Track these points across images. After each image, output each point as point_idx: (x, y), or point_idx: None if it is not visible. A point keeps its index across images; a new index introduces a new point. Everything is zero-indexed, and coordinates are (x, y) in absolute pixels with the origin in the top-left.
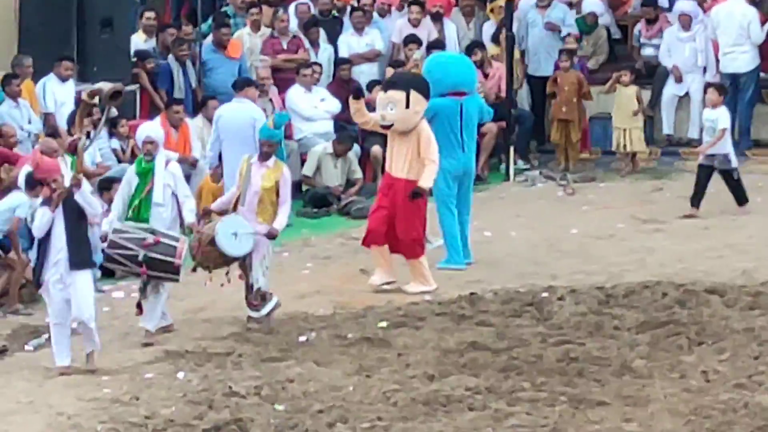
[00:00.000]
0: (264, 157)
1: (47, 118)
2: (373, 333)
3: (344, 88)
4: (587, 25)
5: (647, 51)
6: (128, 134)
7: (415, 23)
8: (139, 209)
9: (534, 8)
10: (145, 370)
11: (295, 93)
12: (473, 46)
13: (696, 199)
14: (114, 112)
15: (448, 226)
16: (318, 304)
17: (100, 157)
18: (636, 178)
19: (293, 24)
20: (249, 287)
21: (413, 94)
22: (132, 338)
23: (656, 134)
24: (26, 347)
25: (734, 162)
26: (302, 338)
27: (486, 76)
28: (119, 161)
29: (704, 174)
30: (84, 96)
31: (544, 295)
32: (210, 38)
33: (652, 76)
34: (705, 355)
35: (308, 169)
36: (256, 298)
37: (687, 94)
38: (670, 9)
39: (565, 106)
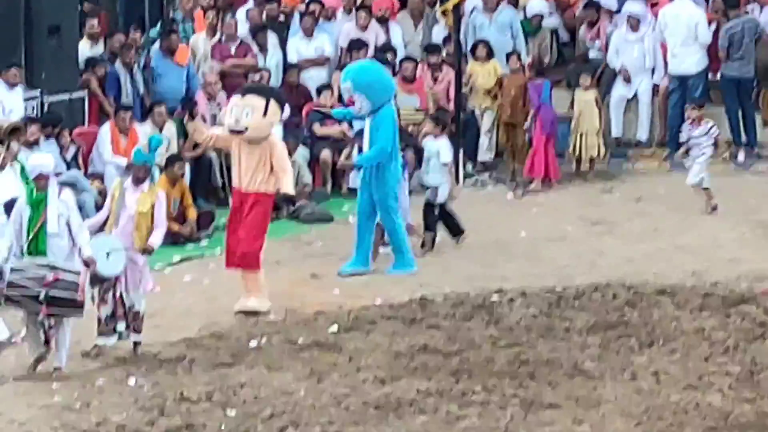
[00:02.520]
0: (138, 181)
1: None
2: (324, 337)
3: (293, 93)
4: (531, 26)
5: (592, 53)
6: (72, 140)
7: (364, 27)
8: (36, 241)
9: (481, 12)
10: (96, 377)
11: None
12: (432, 49)
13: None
14: (15, 147)
15: (399, 231)
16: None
17: None
18: (585, 179)
19: (243, 29)
20: (127, 313)
21: (272, 103)
22: (83, 345)
23: (605, 136)
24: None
25: (443, 196)
26: (253, 343)
27: (435, 80)
28: (68, 167)
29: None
30: None
31: (495, 298)
32: (157, 44)
33: (599, 77)
34: (656, 356)
35: None
36: (137, 320)
37: (635, 95)
38: (618, 11)
39: (510, 109)
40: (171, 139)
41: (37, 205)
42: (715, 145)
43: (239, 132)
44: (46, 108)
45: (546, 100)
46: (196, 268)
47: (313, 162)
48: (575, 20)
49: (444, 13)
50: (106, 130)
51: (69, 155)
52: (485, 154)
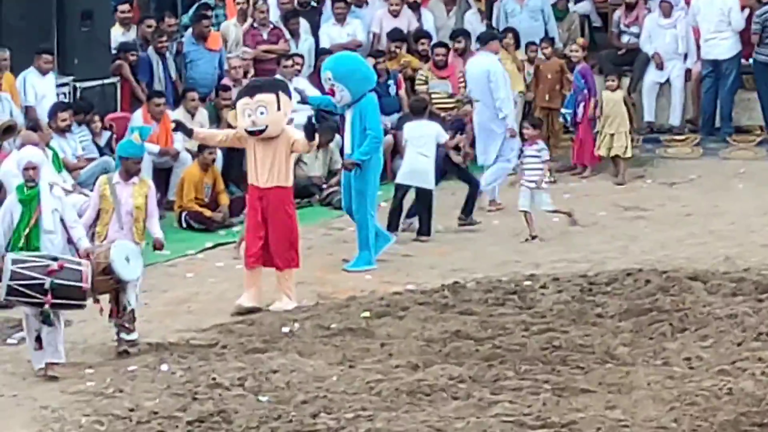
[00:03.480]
0: (129, 175)
1: (28, 112)
2: (356, 323)
3: None
4: (559, 11)
5: (626, 38)
6: (104, 127)
7: (395, 13)
8: (29, 238)
9: None
10: (128, 363)
11: None
12: (458, 34)
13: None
14: (6, 146)
15: (369, 225)
16: (301, 294)
17: (82, 150)
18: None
19: (275, 15)
20: (118, 309)
21: (282, 96)
22: (115, 331)
23: (637, 121)
24: (9, 341)
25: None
26: (285, 329)
27: None
28: (102, 153)
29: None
30: None
31: (527, 283)
32: (190, 30)
33: (632, 63)
34: (688, 342)
35: None
36: (130, 320)
37: (668, 80)
38: None
39: (548, 95)
40: (204, 125)
41: (30, 201)
42: (544, 169)
43: (260, 132)
44: (78, 94)
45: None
46: (228, 254)
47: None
48: (607, 5)
49: None
50: (138, 117)
51: (102, 141)
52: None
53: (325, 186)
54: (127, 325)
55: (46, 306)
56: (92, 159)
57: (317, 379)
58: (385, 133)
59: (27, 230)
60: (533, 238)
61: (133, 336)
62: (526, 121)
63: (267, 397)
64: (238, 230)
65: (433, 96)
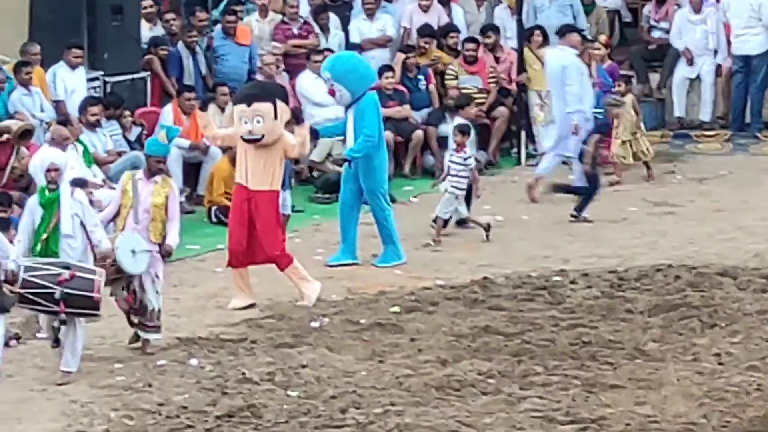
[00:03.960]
0: (152, 173)
1: (58, 106)
2: (386, 318)
3: None
4: (585, 5)
5: (657, 33)
6: (135, 121)
7: (425, 8)
8: (47, 242)
9: None
10: (157, 357)
11: (306, 79)
12: (487, 29)
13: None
14: (24, 151)
15: (390, 221)
16: (330, 289)
17: (112, 144)
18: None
19: (304, 9)
20: (140, 309)
21: (279, 104)
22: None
23: (667, 117)
24: (38, 335)
25: None
26: (315, 324)
27: (497, 60)
28: (132, 148)
29: None
30: None
31: (557, 278)
32: (220, 25)
33: (662, 58)
34: (718, 338)
35: (318, 155)
36: (152, 319)
37: (698, 76)
38: None
39: None
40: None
41: (50, 204)
42: (470, 177)
43: (256, 141)
44: (108, 89)
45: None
46: None
47: None
48: (637, 0)
49: None
50: (168, 111)
51: (132, 136)
52: (547, 139)
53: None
54: (148, 324)
55: (62, 315)
56: (122, 153)
57: (346, 374)
58: (416, 128)
59: (46, 234)
60: (435, 242)
61: (157, 336)
62: (455, 126)
63: (296, 392)
64: None
65: (463, 91)
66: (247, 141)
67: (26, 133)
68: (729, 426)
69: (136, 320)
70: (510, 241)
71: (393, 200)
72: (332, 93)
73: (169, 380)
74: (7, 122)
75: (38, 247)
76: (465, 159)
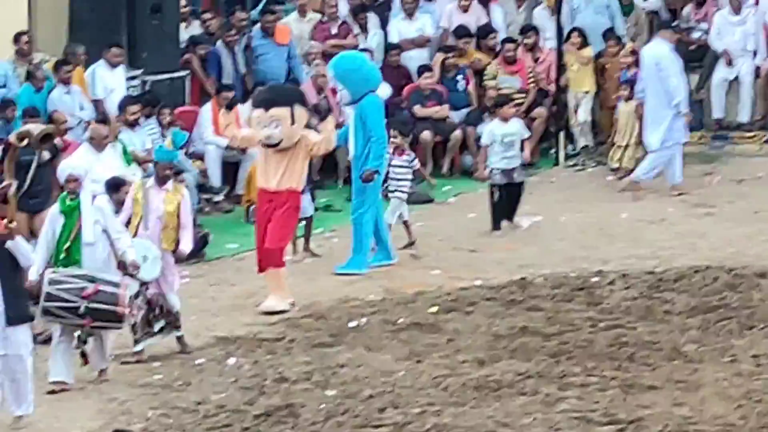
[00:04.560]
0: (162, 180)
1: (97, 105)
2: (424, 318)
3: (394, 73)
4: (624, 5)
5: (696, 34)
6: (173, 122)
7: (465, 8)
8: (70, 251)
9: None
10: (196, 356)
11: None
12: (527, 29)
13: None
14: (46, 155)
15: (367, 228)
16: (368, 289)
17: (151, 143)
18: (685, 162)
19: (343, 9)
20: (167, 313)
21: (297, 108)
22: (183, 324)
23: (706, 118)
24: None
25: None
26: (353, 324)
27: (536, 60)
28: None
29: (501, 194)
30: (12, 138)
31: (595, 279)
32: (259, 24)
33: (701, 59)
34: (756, 339)
35: None
36: (178, 318)
37: (737, 77)
38: None
39: (614, 94)
40: None
41: (71, 213)
42: (414, 179)
43: (274, 146)
44: (147, 88)
45: None
46: (297, 247)
47: (414, 143)
48: (677, 1)
49: None
50: (207, 110)
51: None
52: (583, 139)
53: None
54: (178, 324)
55: (85, 328)
56: None
57: (384, 373)
58: (454, 128)
59: (68, 243)
60: (412, 244)
61: (180, 332)
62: (394, 128)
63: (334, 391)
64: (301, 225)
65: (501, 92)
66: (265, 146)
67: (47, 137)
68: (767, 427)
69: (160, 325)
70: (548, 241)
71: (431, 200)
72: (334, 92)
73: (207, 379)
74: (27, 126)
75: (61, 256)
76: (410, 162)
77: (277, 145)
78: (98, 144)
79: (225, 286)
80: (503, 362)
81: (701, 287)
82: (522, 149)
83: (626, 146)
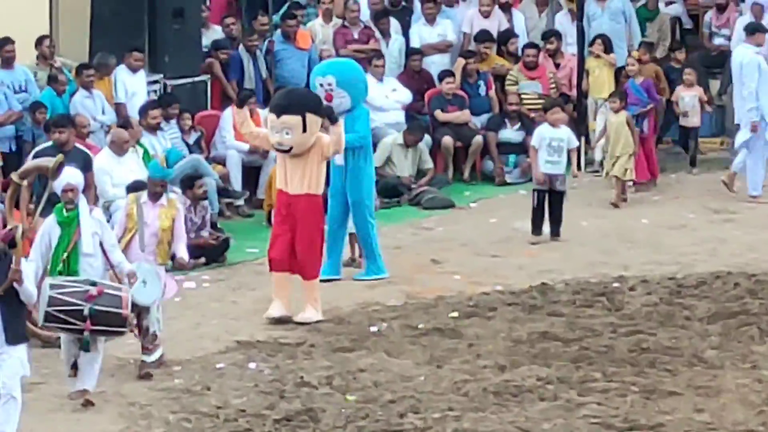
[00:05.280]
0: (156, 196)
1: (118, 109)
2: (444, 323)
3: (415, 78)
4: (649, 11)
5: (718, 40)
6: (194, 127)
7: (486, 14)
8: (68, 261)
9: (594, 0)
10: (216, 360)
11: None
12: (549, 35)
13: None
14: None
15: (373, 235)
16: (389, 294)
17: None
18: (707, 168)
19: (365, 14)
20: (140, 329)
21: (309, 116)
22: (203, 328)
23: (727, 123)
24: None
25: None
26: (373, 328)
27: (557, 66)
28: (191, 151)
29: (542, 198)
30: (14, 177)
31: (616, 285)
32: (280, 29)
33: (722, 65)
34: None
35: (378, 160)
36: (150, 342)
37: None
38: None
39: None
40: None
41: (69, 223)
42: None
43: (285, 152)
44: (169, 92)
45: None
46: None
47: (435, 148)
48: (698, 7)
49: None
50: (228, 115)
51: (191, 140)
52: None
53: (414, 186)
54: (149, 346)
55: (86, 333)
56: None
57: (405, 378)
58: (475, 133)
59: (66, 254)
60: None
61: (154, 356)
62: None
63: (354, 396)
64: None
65: (523, 97)
66: (278, 151)
67: (60, 166)
68: None
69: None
70: (569, 247)
71: (452, 205)
72: (329, 98)
73: (227, 383)
74: (36, 161)
75: (59, 267)
76: None
77: (287, 151)
78: (119, 148)
79: (246, 291)
80: (524, 367)
81: (722, 293)
82: (569, 160)
83: (618, 156)
